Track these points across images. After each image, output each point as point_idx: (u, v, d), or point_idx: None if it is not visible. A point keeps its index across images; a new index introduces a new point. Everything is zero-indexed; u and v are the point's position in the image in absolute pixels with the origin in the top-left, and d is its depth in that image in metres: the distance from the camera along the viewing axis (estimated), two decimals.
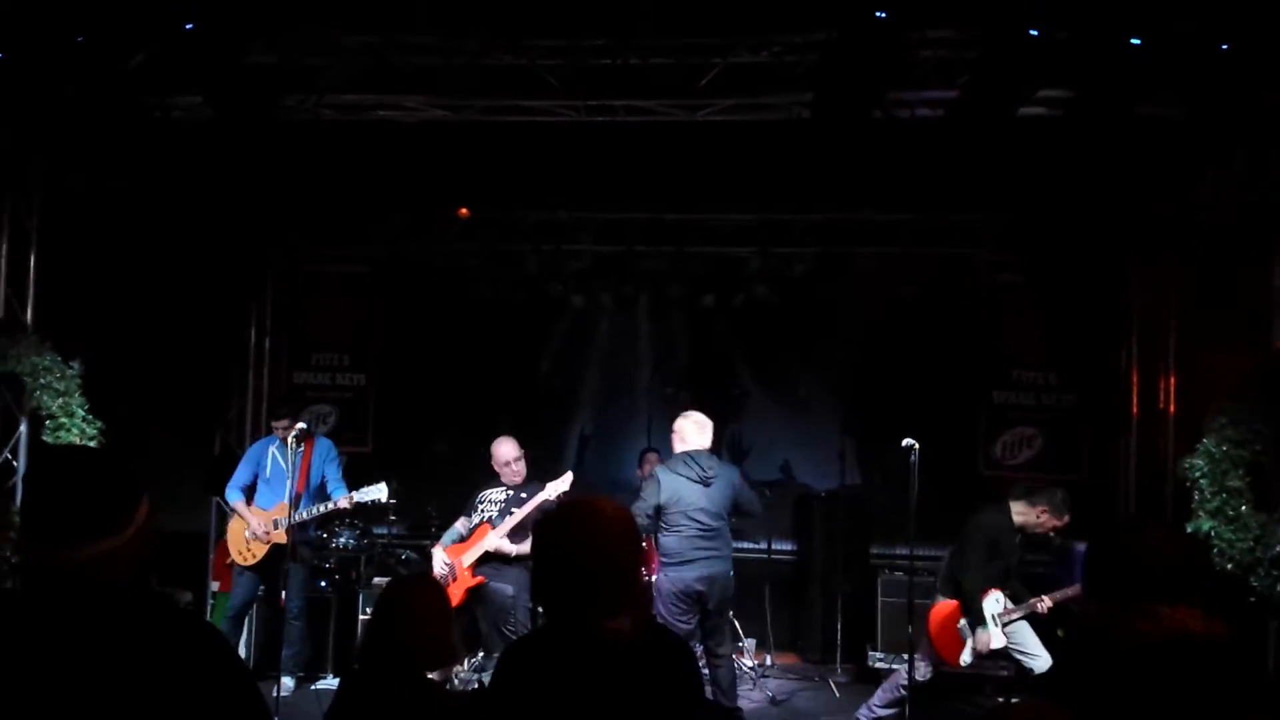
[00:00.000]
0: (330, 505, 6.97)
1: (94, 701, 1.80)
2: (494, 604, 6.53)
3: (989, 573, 6.22)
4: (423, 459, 9.57)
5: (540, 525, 2.34)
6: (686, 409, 6.69)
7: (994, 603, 6.22)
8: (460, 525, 6.90)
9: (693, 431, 6.46)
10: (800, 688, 7.93)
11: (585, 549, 2.20)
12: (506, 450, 6.80)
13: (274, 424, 7.38)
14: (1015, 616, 6.21)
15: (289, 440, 6.73)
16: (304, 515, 6.95)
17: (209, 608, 8.40)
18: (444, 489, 8.63)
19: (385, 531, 8.62)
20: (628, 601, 2.25)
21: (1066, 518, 6.26)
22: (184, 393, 8.86)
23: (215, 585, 8.48)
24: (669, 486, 6.30)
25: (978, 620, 6.17)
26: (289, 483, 6.83)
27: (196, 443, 7.02)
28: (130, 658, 1.83)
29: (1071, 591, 6.15)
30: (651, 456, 8.75)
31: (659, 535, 6.38)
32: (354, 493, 6.86)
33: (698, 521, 6.26)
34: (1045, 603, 6.18)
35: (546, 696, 2.13)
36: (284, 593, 7.16)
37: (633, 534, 2.29)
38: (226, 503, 7.39)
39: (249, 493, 7.28)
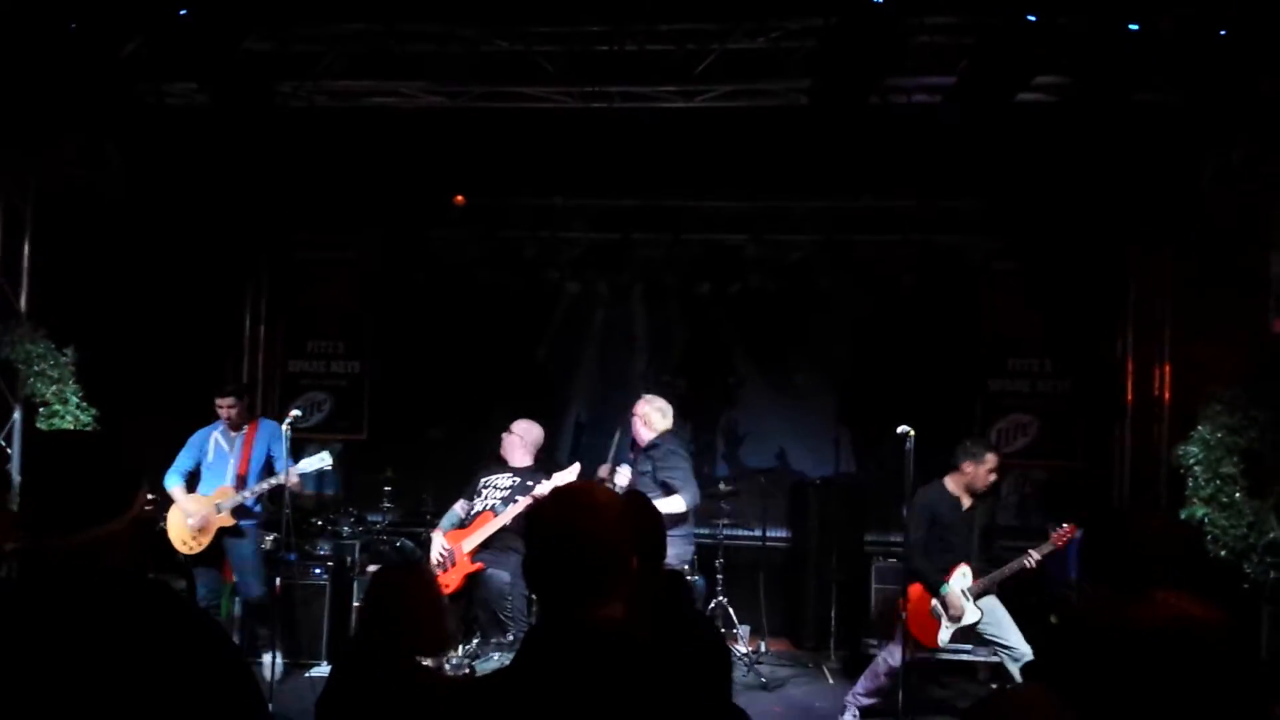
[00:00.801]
0: (273, 481, 6.71)
1: (91, 685, 1.80)
2: (490, 590, 6.56)
3: (935, 546, 6.30)
4: (418, 446, 9.54)
5: (533, 511, 2.33)
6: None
7: (961, 577, 6.24)
8: (459, 508, 6.91)
9: (668, 415, 6.71)
10: (794, 674, 7.94)
11: (578, 535, 2.19)
12: (521, 425, 7.07)
13: (217, 400, 6.94)
14: (984, 584, 6.17)
15: (231, 421, 6.77)
16: (243, 496, 6.73)
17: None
18: (439, 476, 8.63)
19: (380, 519, 8.62)
20: (620, 588, 2.24)
21: (989, 455, 6.29)
22: (178, 380, 8.82)
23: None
24: (688, 459, 6.59)
25: (935, 589, 6.24)
26: (231, 464, 6.75)
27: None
28: (127, 642, 1.83)
29: (1058, 541, 6.02)
30: None
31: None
32: (294, 465, 6.66)
33: (688, 498, 6.47)
34: (1034, 557, 6.07)
35: (537, 685, 2.13)
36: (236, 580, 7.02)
37: (625, 520, 2.28)
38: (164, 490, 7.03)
39: (192, 481, 6.98)
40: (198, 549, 6.77)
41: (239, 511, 6.77)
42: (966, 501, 6.37)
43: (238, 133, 6.92)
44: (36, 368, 7.09)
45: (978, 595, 6.21)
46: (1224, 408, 6.56)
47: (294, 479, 6.72)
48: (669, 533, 6.21)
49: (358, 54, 6.59)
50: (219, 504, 6.73)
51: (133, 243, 7.98)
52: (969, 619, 6.21)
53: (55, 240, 7.46)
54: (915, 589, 6.37)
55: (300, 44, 6.50)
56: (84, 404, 7.21)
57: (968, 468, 6.31)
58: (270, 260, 10.03)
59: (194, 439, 7.03)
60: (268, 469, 6.92)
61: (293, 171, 8.14)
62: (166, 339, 8.48)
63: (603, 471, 7.15)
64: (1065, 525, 5.99)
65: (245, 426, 6.93)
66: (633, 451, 6.88)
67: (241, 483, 6.80)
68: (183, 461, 6.96)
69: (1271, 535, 6.21)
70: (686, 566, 6.56)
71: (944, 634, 6.28)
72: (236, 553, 6.88)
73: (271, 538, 7.46)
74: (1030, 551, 6.11)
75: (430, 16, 6.30)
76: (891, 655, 6.33)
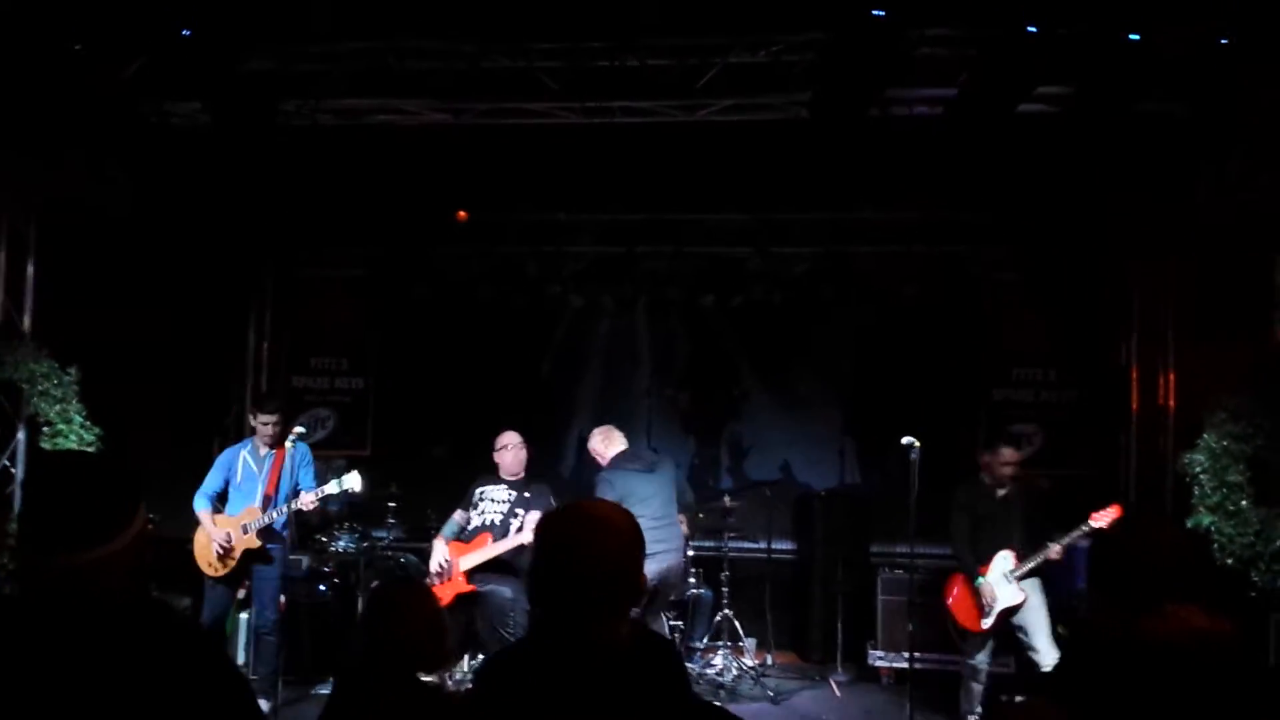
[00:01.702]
0: (298, 504, 6.58)
1: (89, 707, 1.80)
2: (492, 605, 6.52)
3: (977, 536, 6.46)
4: (422, 462, 9.54)
5: (543, 527, 2.31)
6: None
7: (1004, 560, 6.36)
8: (458, 517, 6.91)
9: (613, 438, 6.89)
10: (801, 687, 7.92)
11: (589, 553, 2.17)
12: (507, 437, 7.03)
13: (259, 415, 6.85)
14: (1028, 567, 6.28)
15: (273, 441, 6.65)
16: (270, 518, 6.58)
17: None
18: (443, 492, 8.58)
19: (385, 535, 8.61)
20: (629, 607, 2.23)
21: (1003, 450, 6.52)
22: (182, 398, 8.84)
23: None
24: (619, 483, 6.49)
25: (970, 578, 6.39)
26: (259, 486, 6.64)
27: (195, 448, 6.95)
28: (126, 664, 1.83)
29: (1079, 532, 6.16)
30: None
31: None
32: (321, 487, 6.59)
33: (647, 514, 6.26)
34: (1056, 548, 6.21)
35: (542, 703, 2.11)
36: (253, 604, 6.81)
37: (637, 539, 2.27)
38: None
39: (222, 501, 6.84)
40: (224, 571, 6.61)
41: (265, 534, 6.60)
42: (1001, 491, 6.52)
43: (241, 151, 6.93)
44: (40, 387, 7.08)
45: (1021, 577, 6.31)
46: (1229, 415, 6.54)
47: (315, 499, 6.62)
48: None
49: (359, 72, 6.60)
50: (245, 524, 6.59)
51: (136, 262, 7.98)
52: (1010, 600, 6.29)
53: (59, 259, 7.46)
54: (958, 576, 6.58)
55: (302, 63, 6.51)
56: (88, 423, 7.20)
57: (984, 458, 6.57)
58: (274, 277, 10.04)
59: (222, 458, 6.92)
60: (294, 492, 6.74)
61: (296, 189, 8.15)
62: (170, 357, 8.48)
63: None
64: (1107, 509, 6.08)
65: (275, 449, 6.77)
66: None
67: (268, 503, 6.64)
68: (212, 482, 6.81)
69: (1278, 543, 6.19)
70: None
71: (988, 619, 6.35)
72: (261, 576, 6.70)
73: (304, 560, 7.39)
74: (1050, 545, 6.23)
75: (431, 34, 6.31)
76: (978, 662, 6.46)
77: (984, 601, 6.33)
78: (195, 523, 6.75)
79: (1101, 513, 6.06)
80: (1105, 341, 9.02)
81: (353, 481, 6.63)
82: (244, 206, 8.35)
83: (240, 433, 9.61)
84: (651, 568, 6.20)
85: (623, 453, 6.80)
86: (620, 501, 6.19)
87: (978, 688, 6.47)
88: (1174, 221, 7.62)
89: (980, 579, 6.36)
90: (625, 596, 2.19)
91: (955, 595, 6.57)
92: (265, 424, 6.82)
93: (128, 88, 6.13)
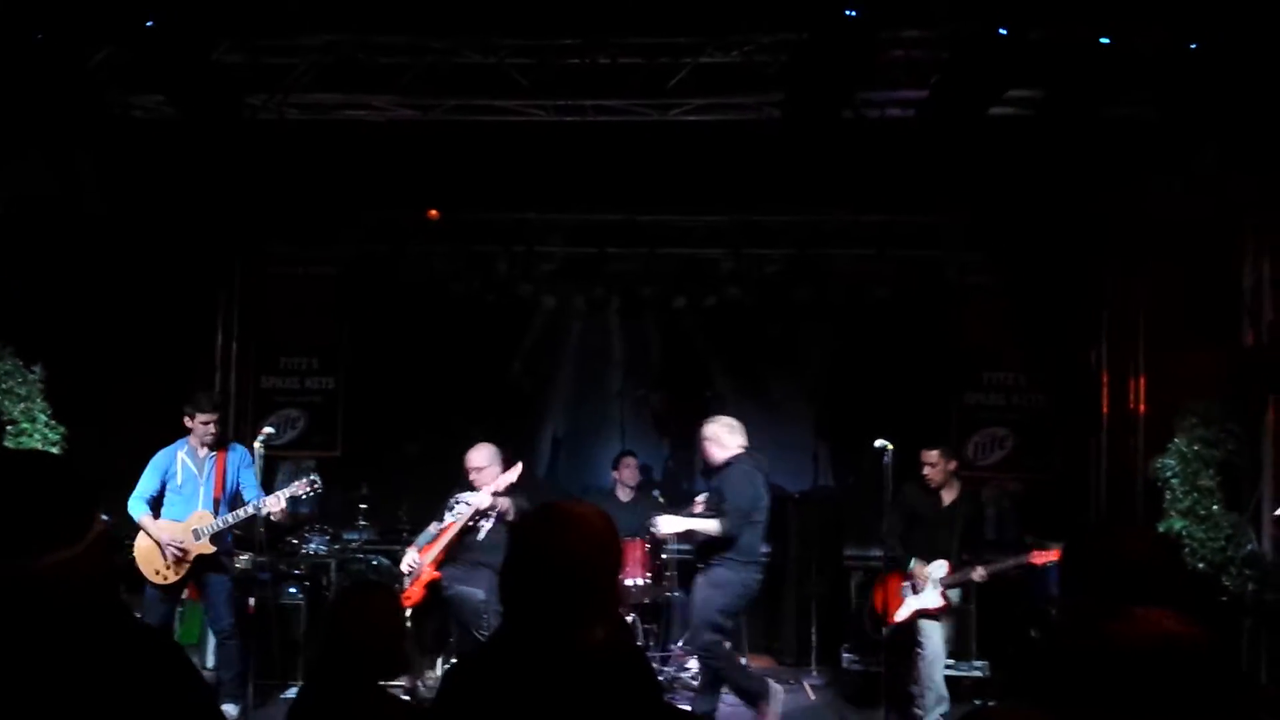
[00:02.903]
0: (251, 510, 6.38)
1: (50, 713, 1.74)
2: (465, 609, 6.44)
3: (911, 537, 6.59)
4: (393, 463, 9.47)
5: (516, 528, 2.27)
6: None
7: (938, 567, 6.39)
8: (433, 528, 6.84)
9: (738, 430, 6.52)
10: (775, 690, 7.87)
11: (562, 554, 2.13)
12: (475, 457, 6.77)
13: (197, 416, 6.47)
14: (955, 579, 6.35)
15: (203, 443, 6.44)
16: (224, 522, 6.36)
17: (178, 615, 8.22)
18: (415, 493, 8.53)
19: (356, 537, 8.53)
20: (605, 611, 2.19)
21: (927, 453, 6.54)
22: (149, 397, 8.71)
23: (184, 594, 8.29)
24: (762, 481, 6.42)
25: (904, 562, 6.55)
26: (202, 489, 6.41)
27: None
28: (86, 672, 1.77)
29: (1010, 563, 6.30)
30: (629, 460, 8.69)
31: (743, 533, 6.27)
32: (280, 491, 6.45)
33: (762, 522, 6.41)
34: (980, 572, 6.26)
35: (506, 707, 2.07)
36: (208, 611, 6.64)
37: (613, 540, 2.23)
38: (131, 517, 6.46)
39: (155, 505, 6.47)
40: (174, 579, 6.33)
41: (216, 539, 6.39)
42: (946, 498, 6.54)
43: (207, 145, 6.84)
44: (4, 385, 6.97)
45: (949, 586, 6.37)
46: (1199, 420, 6.58)
47: (280, 506, 6.47)
48: (720, 562, 6.26)
49: (328, 66, 6.53)
50: (197, 529, 6.32)
51: (102, 258, 7.88)
52: (926, 603, 6.37)
53: (22, 255, 7.35)
54: (894, 575, 6.67)
55: (270, 56, 6.44)
56: (53, 422, 7.10)
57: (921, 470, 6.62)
58: (242, 275, 9.92)
59: (157, 460, 6.54)
60: (237, 497, 6.55)
61: (264, 185, 8.07)
62: (136, 355, 8.37)
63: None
64: (1047, 549, 6.06)
65: (215, 450, 6.55)
66: (704, 475, 6.94)
67: (219, 507, 6.42)
68: (147, 485, 6.45)
69: (1250, 547, 6.22)
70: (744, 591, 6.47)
71: (903, 610, 6.47)
72: (212, 582, 6.48)
73: (246, 557, 7.32)
74: (978, 566, 6.28)
75: (400, 29, 6.25)
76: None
77: (913, 585, 6.45)
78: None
79: (1041, 553, 6.07)
80: (1076, 345, 9.05)
81: (308, 486, 6.49)
82: (210, 202, 8.25)
83: None
84: (761, 575, 6.40)
85: (750, 449, 6.51)
86: (735, 506, 6.20)
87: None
88: (1145, 226, 7.66)
89: (913, 561, 6.48)
90: (599, 600, 2.16)
91: (888, 588, 6.69)
92: (205, 424, 6.50)
93: (91, 79, 6.03)
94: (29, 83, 5.70)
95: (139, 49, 5.68)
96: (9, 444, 7.00)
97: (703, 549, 6.46)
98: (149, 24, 5.40)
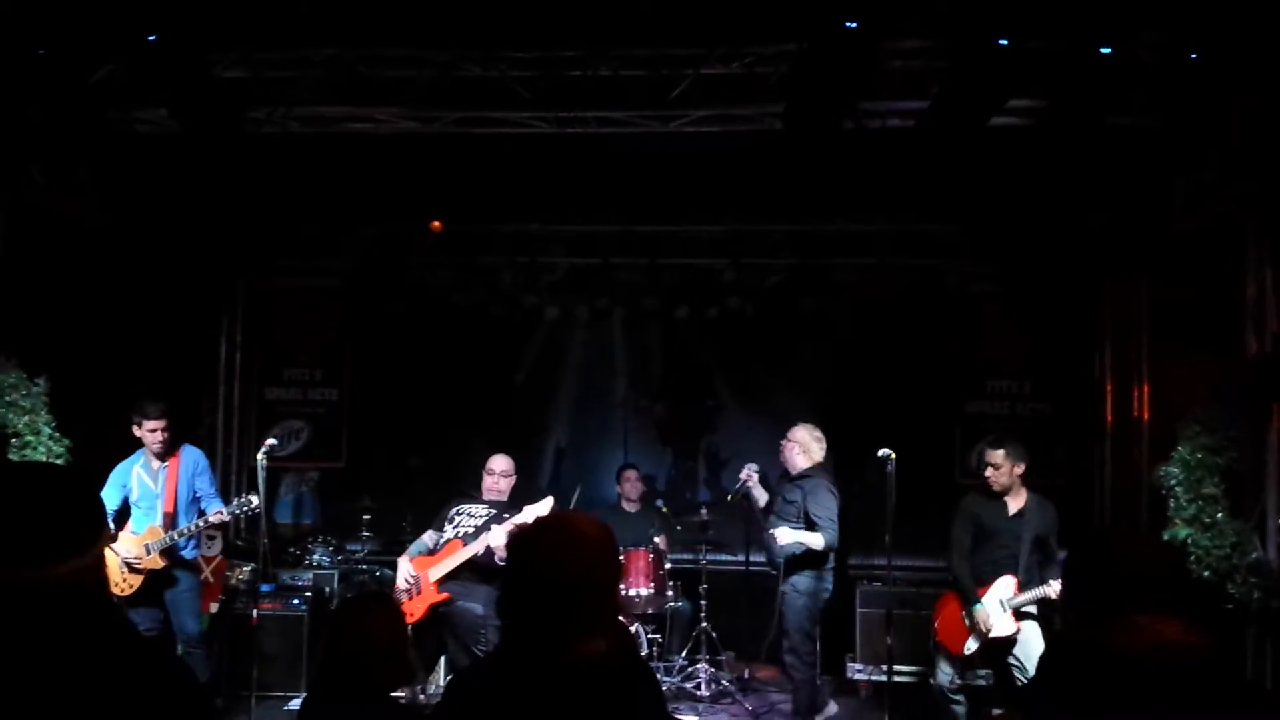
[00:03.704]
0: (205, 521, 6.45)
1: None
2: (463, 623, 6.38)
3: (980, 556, 6.07)
4: (397, 474, 9.48)
5: (516, 540, 2.28)
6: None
7: (1003, 587, 5.95)
8: (428, 538, 6.77)
9: (823, 441, 6.82)
10: (781, 700, 7.86)
11: (563, 566, 2.14)
12: (500, 463, 6.80)
13: (143, 423, 6.47)
14: (1025, 599, 5.90)
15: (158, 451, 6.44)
16: (171, 539, 6.36)
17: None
18: (418, 504, 8.52)
19: (359, 548, 8.53)
20: (605, 622, 2.19)
21: (992, 453, 6.05)
22: None
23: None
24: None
25: (968, 598, 5.99)
26: (159, 501, 6.43)
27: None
28: (95, 679, 1.78)
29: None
30: (629, 474, 8.68)
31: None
32: (226, 506, 6.47)
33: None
34: (1054, 586, 5.74)
35: (516, 719, 2.07)
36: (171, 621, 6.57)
37: (612, 552, 2.23)
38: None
39: (121, 518, 6.53)
40: (130, 590, 6.36)
41: (169, 554, 6.41)
42: (1013, 506, 6.08)
43: (210, 159, 6.86)
44: (8, 398, 6.95)
45: (1018, 608, 5.92)
46: (1203, 428, 6.54)
47: (222, 519, 6.52)
48: (804, 571, 6.46)
49: (330, 79, 6.56)
50: (148, 544, 6.36)
51: (106, 271, 7.89)
52: (1000, 631, 5.89)
53: (26, 269, 7.36)
54: (950, 595, 6.23)
55: (272, 70, 6.46)
56: (57, 434, 7.09)
57: (983, 475, 6.20)
58: (246, 288, 9.96)
59: (114, 474, 6.61)
60: (195, 503, 6.60)
61: (267, 198, 8.09)
62: (141, 369, 8.37)
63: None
64: None
65: (169, 457, 6.58)
66: (783, 479, 6.96)
67: (170, 521, 6.44)
68: (108, 500, 6.43)
69: (1255, 555, 6.18)
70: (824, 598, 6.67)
71: (971, 643, 6.02)
72: (169, 594, 6.50)
73: (249, 568, 7.27)
74: (1051, 582, 5.83)
75: (402, 42, 6.27)
76: (942, 673, 6.27)
77: (976, 627, 5.94)
78: None
79: None
80: (1079, 354, 9.04)
81: (252, 504, 6.47)
82: (214, 215, 8.27)
83: (213, 445, 9.52)
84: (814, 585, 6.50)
85: (824, 466, 6.68)
86: (831, 518, 6.36)
87: (959, 710, 6.25)
88: (1147, 234, 7.65)
89: (978, 604, 5.96)
90: (599, 611, 2.16)
91: (944, 613, 6.21)
92: (152, 430, 6.51)
93: (95, 94, 6.05)
94: (33, 97, 5.73)
95: (142, 63, 5.69)
96: (13, 456, 7.00)
97: (792, 560, 6.59)
98: (152, 38, 5.42)
